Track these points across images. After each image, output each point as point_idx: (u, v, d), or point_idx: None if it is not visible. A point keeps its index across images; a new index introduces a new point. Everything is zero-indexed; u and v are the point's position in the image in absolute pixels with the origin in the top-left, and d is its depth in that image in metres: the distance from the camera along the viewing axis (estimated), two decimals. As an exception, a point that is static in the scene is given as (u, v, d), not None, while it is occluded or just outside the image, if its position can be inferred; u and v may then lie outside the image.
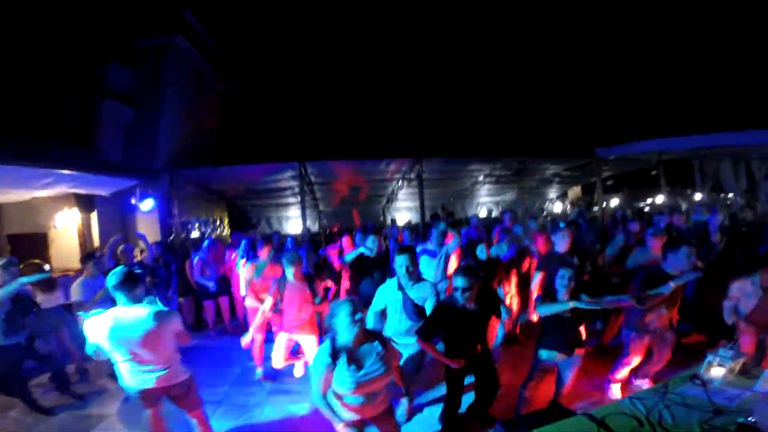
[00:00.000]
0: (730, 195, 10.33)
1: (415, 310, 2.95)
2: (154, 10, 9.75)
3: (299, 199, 7.93)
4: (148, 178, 6.53)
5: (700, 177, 9.60)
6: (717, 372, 2.26)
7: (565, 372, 2.88)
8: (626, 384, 3.23)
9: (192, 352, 4.57)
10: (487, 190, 11.26)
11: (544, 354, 2.81)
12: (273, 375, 3.80)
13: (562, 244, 3.75)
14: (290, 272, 3.37)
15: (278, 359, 3.50)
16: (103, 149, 8.36)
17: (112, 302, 2.30)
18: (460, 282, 2.60)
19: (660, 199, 10.21)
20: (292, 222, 10.54)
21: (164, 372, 2.29)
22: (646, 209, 11.07)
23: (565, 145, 9.26)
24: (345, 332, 2.09)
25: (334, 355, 2.07)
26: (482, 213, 11.41)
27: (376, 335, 2.22)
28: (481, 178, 9.84)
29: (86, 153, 7.75)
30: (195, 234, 5.43)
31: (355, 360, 2.09)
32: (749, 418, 1.70)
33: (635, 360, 3.09)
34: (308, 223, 9.70)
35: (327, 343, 2.13)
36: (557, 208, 12.02)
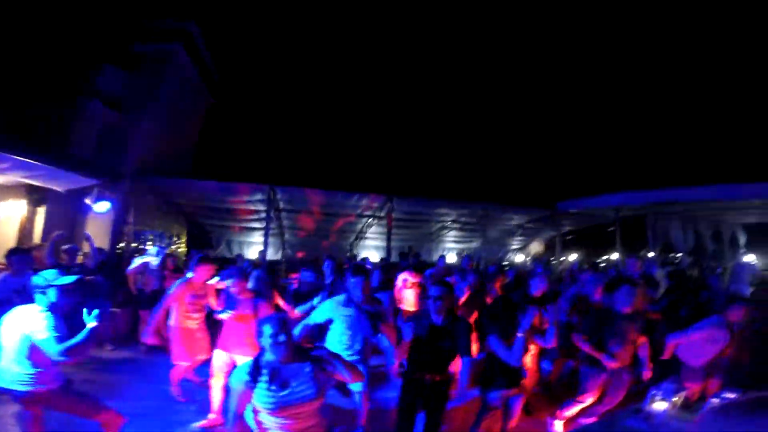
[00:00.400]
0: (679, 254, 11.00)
1: (371, 323, 2.85)
2: (160, 17, 9.87)
3: (265, 225, 7.78)
4: (108, 179, 6.24)
5: (652, 236, 10.21)
6: (660, 406, 2.32)
7: (512, 408, 2.86)
8: (571, 422, 3.18)
9: (125, 364, 4.33)
10: (453, 237, 11.47)
11: (495, 395, 2.79)
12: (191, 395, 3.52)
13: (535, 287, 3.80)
14: (234, 287, 3.19)
15: (216, 377, 3.20)
16: (75, 147, 7.97)
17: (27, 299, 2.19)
18: (434, 290, 2.60)
19: (615, 255, 10.72)
20: (255, 248, 10.20)
21: (29, 377, 2.16)
22: (602, 265, 11.55)
23: (528, 197, 9.73)
24: (270, 351, 1.96)
25: (255, 372, 1.94)
26: (449, 258, 11.52)
27: (310, 356, 2.07)
28: (448, 223, 10.05)
29: (52, 147, 7.39)
30: (149, 246, 5.15)
31: (279, 379, 1.94)
32: None
33: (590, 398, 3.06)
34: (271, 251, 9.43)
35: (251, 360, 2.00)
36: (518, 259, 12.32)
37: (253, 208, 8.34)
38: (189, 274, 3.50)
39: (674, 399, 2.32)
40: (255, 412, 1.96)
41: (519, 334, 2.69)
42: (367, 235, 10.33)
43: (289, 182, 7.16)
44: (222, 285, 3.42)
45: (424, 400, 2.65)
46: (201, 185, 7.43)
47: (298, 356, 2.03)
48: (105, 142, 8.67)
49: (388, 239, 8.05)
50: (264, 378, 1.92)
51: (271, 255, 9.08)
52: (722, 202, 7.32)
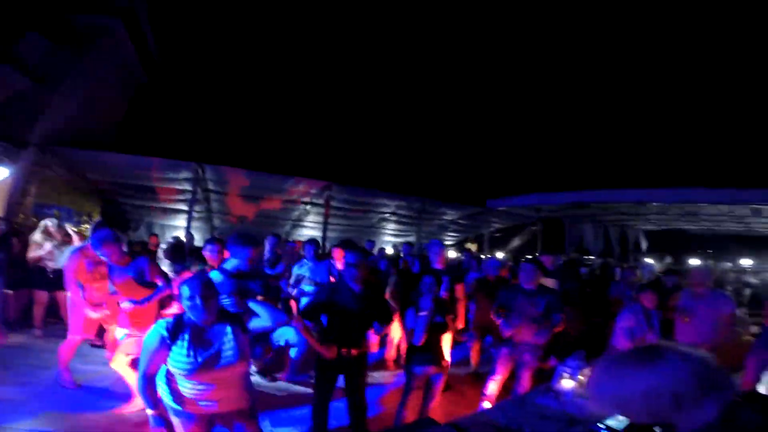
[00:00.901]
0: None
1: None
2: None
3: (189, 206, 7.28)
4: (10, 145, 5.43)
5: (568, 238, 11.26)
6: (568, 384, 2.49)
7: (434, 386, 2.92)
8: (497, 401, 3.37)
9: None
10: (391, 230, 11.65)
11: (418, 370, 2.86)
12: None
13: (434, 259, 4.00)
14: (106, 255, 2.87)
15: (117, 361, 2.90)
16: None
17: None
18: (349, 257, 2.60)
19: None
20: (179, 233, 9.54)
21: None
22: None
23: (462, 195, 10.22)
24: (190, 312, 1.84)
25: (176, 329, 1.79)
26: (389, 250, 11.71)
27: (232, 318, 1.98)
28: (386, 215, 10.17)
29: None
30: (49, 222, 4.56)
31: (201, 340, 1.81)
32: (598, 425, 1.83)
33: (501, 374, 3.26)
34: (199, 238, 8.83)
35: (173, 317, 1.85)
36: (452, 254, 12.88)
37: (178, 187, 7.76)
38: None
39: (580, 377, 2.50)
40: (170, 379, 1.81)
41: (422, 313, 2.80)
42: (304, 223, 10.12)
43: (220, 160, 6.77)
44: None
45: (344, 373, 2.64)
46: (117, 159, 6.76)
47: (219, 318, 1.92)
48: (14, 110, 7.58)
49: (325, 229, 7.95)
50: (183, 338, 1.78)
51: (199, 242, 8.54)
52: (625, 205, 8.25)
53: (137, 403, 2.79)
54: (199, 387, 1.78)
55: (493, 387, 3.25)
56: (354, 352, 2.62)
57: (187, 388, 1.78)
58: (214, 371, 1.78)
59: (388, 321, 2.67)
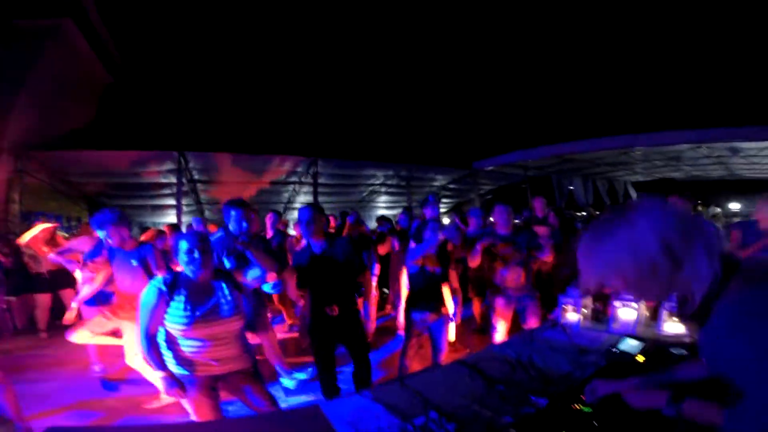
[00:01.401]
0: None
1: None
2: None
3: (177, 199, 7.22)
4: None
5: (557, 193, 11.42)
6: (573, 316, 2.54)
7: (438, 335, 3.00)
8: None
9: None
10: (382, 203, 11.71)
11: (416, 316, 2.93)
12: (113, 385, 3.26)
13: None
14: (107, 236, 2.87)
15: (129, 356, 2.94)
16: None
17: None
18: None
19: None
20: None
21: None
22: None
23: (449, 159, 10.24)
24: (186, 268, 1.89)
25: (173, 285, 1.84)
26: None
27: (227, 275, 2.04)
28: (376, 187, 10.20)
29: None
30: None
31: (197, 295, 1.87)
32: (613, 349, 1.91)
33: (503, 323, 3.35)
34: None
35: (169, 274, 1.90)
36: (446, 221, 13.03)
37: (163, 180, 7.70)
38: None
39: (583, 309, 2.55)
40: (170, 342, 1.87)
41: (411, 262, 2.88)
42: (296, 205, 10.13)
43: (201, 147, 6.69)
44: None
45: (337, 334, 2.67)
46: (96, 157, 6.65)
47: (219, 275, 1.98)
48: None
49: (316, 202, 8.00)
50: (181, 294, 1.84)
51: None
52: (609, 155, 8.35)
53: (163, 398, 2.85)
54: (198, 344, 1.84)
55: (499, 337, 3.29)
56: (336, 309, 2.60)
57: (186, 347, 1.84)
58: (210, 325, 1.84)
59: (361, 271, 2.69)
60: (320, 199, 8.28)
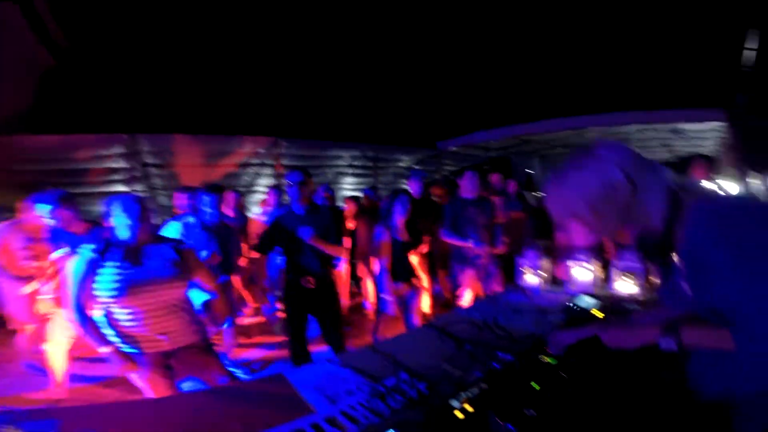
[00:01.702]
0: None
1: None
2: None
3: (131, 187, 6.77)
4: None
5: (517, 174, 11.78)
6: (532, 279, 2.66)
7: (411, 307, 3.05)
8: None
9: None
10: (349, 184, 11.59)
11: (384, 290, 2.94)
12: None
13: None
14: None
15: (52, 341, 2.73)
16: None
17: None
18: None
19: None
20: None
21: None
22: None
23: (414, 139, 10.26)
24: (123, 230, 1.74)
25: (104, 250, 1.68)
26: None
27: (171, 240, 1.92)
28: (342, 168, 10.07)
29: None
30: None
31: (130, 261, 1.71)
32: (571, 305, 1.97)
33: (468, 292, 3.46)
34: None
35: (100, 238, 1.76)
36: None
37: (113, 165, 7.17)
38: None
39: (542, 273, 2.67)
40: (109, 317, 1.72)
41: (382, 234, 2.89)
42: (258, 188, 9.83)
43: (154, 128, 6.27)
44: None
45: (310, 305, 2.65)
46: (38, 142, 6.09)
47: (157, 240, 1.85)
48: None
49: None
50: (114, 259, 1.69)
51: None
52: (564, 136, 8.68)
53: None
54: (137, 316, 1.69)
55: (466, 304, 3.40)
56: (312, 281, 2.59)
57: (127, 321, 1.70)
58: (147, 294, 1.70)
59: (339, 242, 2.68)
60: (284, 182, 8.07)
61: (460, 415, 1.05)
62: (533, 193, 13.65)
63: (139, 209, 1.74)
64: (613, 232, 1.05)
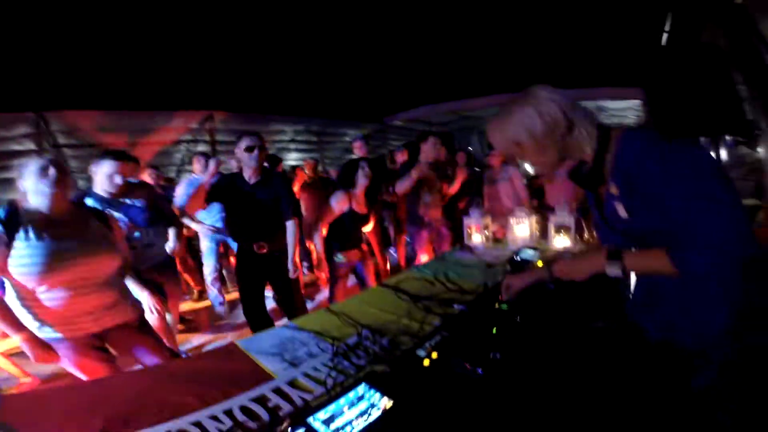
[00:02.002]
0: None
1: None
2: None
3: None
4: None
5: (458, 148, 12.18)
6: (477, 238, 2.81)
7: (364, 275, 3.07)
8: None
9: None
10: (293, 159, 11.22)
11: (339, 258, 2.92)
12: None
13: None
14: None
15: None
16: None
17: None
18: (247, 140, 2.41)
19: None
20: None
21: None
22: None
23: (359, 114, 10.10)
24: (35, 195, 1.52)
25: (12, 220, 1.46)
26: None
27: (96, 211, 1.72)
28: (285, 144, 9.68)
29: None
30: None
31: (49, 232, 1.50)
32: (515, 257, 2.12)
33: (424, 254, 3.57)
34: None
35: (2, 206, 1.52)
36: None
37: (18, 148, 6.26)
38: None
39: (486, 232, 2.83)
40: (23, 297, 1.49)
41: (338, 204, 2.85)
42: (191, 168, 9.18)
43: (65, 104, 5.52)
44: None
45: (264, 272, 2.59)
46: None
47: (77, 207, 1.64)
48: None
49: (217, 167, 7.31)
50: (27, 231, 1.47)
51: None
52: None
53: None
54: (59, 294, 1.50)
55: (422, 260, 3.51)
56: (264, 248, 2.51)
57: (46, 300, 1.49)
58: (70, 268, 1.51)
59: (297, 214, 2.61)
60: (221, 159, 7.57)
61: (426, 362, 1.07)
62: (475, 168, 14.32)
63: (56, 172, 1.53)
64: (554, 165, 1.12)
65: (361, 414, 0.88)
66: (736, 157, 3.11)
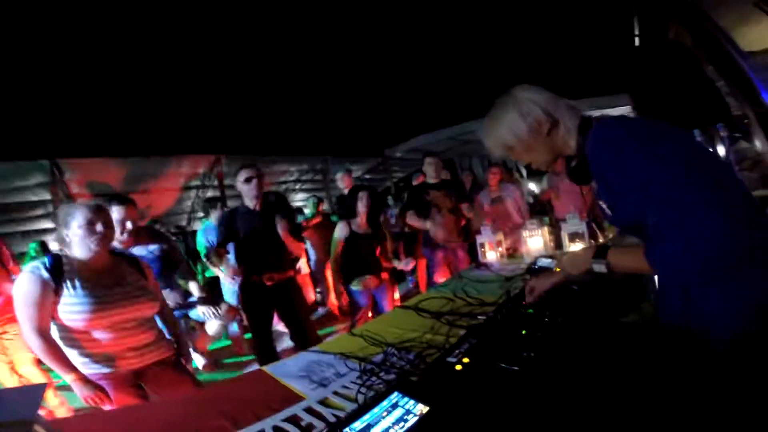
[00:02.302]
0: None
1: None
2: None
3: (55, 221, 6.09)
4: None
5: (461, 173, 12.32)
6: (491, 255, 2.81)
7: (382, 301, 3.02)
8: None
9: None
10: (300, 200, 11.37)
11: (355, 285, 2.90)
12: None
13: None
14: None
15: None
16: None
17: None
18: (244, 173, 2.48)
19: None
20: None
21: None
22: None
23: (361, 149, 10.34)
24: (79, 246, 1.58)
25: (58, 270, 1.52)
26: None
27: (131, 259, 1.80)
28: (291, 184, 9.87)
29: None
30: None
31: (93, 280, 1.59)
32: (533, 265, 2.10)
33: (441, 277, 3.53)
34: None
35: (46, 257, 1.58)
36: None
37: (33, 198, 6.44)
38: None
39: (499, 249, 2.83)
40: (69, 337, 1.56)
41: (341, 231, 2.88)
42: (201, 213, 9.31)
43: (78, 152, 5.71)
44: None
45: (273, 302, 2.57)
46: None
47: (115, 256, 1.70)
48: None
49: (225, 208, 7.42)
50: (74, 280, 1.54)
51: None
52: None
53: None
54: (103, 335, 1.56)
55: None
56: (275, 277, 2.49)
57: (94, 339, 1.56)
58: (115, 313, 1.58)
59: (299, 237, 2.63)
60: (230, 203, 7.72)
61: (458, 367, 1.06)
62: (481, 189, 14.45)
63: (102, 226, 1.59)
64: (548, 163, 1.14)
65: (397, 421, 0.86)
66: (737, 153, 3.14)
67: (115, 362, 1.60)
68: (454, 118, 8.82)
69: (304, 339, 2.61)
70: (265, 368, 1.50)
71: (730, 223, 0.79)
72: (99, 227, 1.57)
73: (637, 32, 3.07)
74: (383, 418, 0.87)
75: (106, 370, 1.58)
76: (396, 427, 0.84)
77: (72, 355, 1.56)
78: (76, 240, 1.57)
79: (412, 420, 0.85)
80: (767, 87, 1.87)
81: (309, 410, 1.16)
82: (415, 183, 4.93)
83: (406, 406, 0.90)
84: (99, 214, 1.60)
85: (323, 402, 1.20)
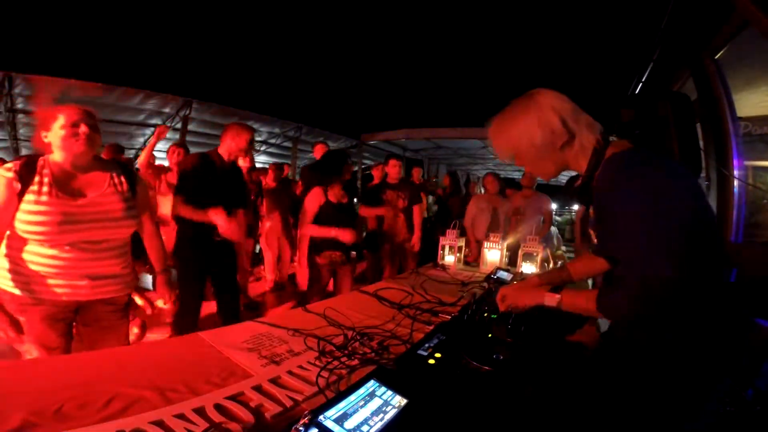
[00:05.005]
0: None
1: None
2: None
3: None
4: None
5: (427, 177, 12.48)
6: (450, 259, 2.88)
7: (341, 282, 2.90)
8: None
9: None
10: (261, 163, 10.92)
11: (322, 259, 2.79)
12: None
13: None
14: None
15: None
16: None
17: None
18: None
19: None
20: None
21: None
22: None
23: (338, 128, 10.12)
24: (60, 147, 1.37)
25: (27, 170, 1.31)
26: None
27: (119, 165, 1.57)
28: (256, 145, 9.42)
29: None
30: None
31: (68, 188, 1.37)
32: (492, 276, 2.20)
33: (390, 269, 3.61)
34: None
35: (22, 157, 1.39)
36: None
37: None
38: None
39: (458, 254, 2.90)
40: (17, 248, 1.33)
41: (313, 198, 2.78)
42: (154, 152, 8.65)
43: (35, 70, 5.08)
44: None
45: (211, 263, 2.41)
46: None
47: (100, 163, 1.49)
48: None
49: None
50: (42, 184, 1.32)
51: None
52: (468, 150, 9.49)
53: None
54: (63, 255, 1.35)
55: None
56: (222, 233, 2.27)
57: (46, 258, 1.34)
58: (85, 229, 1.38)
59: (244, 204, 2.54)
60: (192, 150, 7.19)
61: (431, 361, 1.05)
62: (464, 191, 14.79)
63: (90, 121, 1.39)
64: (549, 175, 1.10)
65: (376, 412, 0.82)
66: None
67: (60, 289, 1.37)
68: (433, 121, 8.88)
69: (231, 313, 2.48)
70: (202, 335, 1.36)
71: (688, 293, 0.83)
72: (83, 128, 1.37)
73: (644, 78, 3.20)
74: (361, 407, 0.82)
75: (43, 297, 1.36)
76: (375, 419, 0.80)
77: (7, 270, 1.34)
78: (57, 142, 1.37)
79: (392, 412, 0.81)
80: (741, 154, 2.03)
81: (259, 389, 1.04)
82: (373, 175, 4.98)
83: (384, 397, 0.85)
84: (84, 116, 1.40)
85: (276, 381, 1.09)
